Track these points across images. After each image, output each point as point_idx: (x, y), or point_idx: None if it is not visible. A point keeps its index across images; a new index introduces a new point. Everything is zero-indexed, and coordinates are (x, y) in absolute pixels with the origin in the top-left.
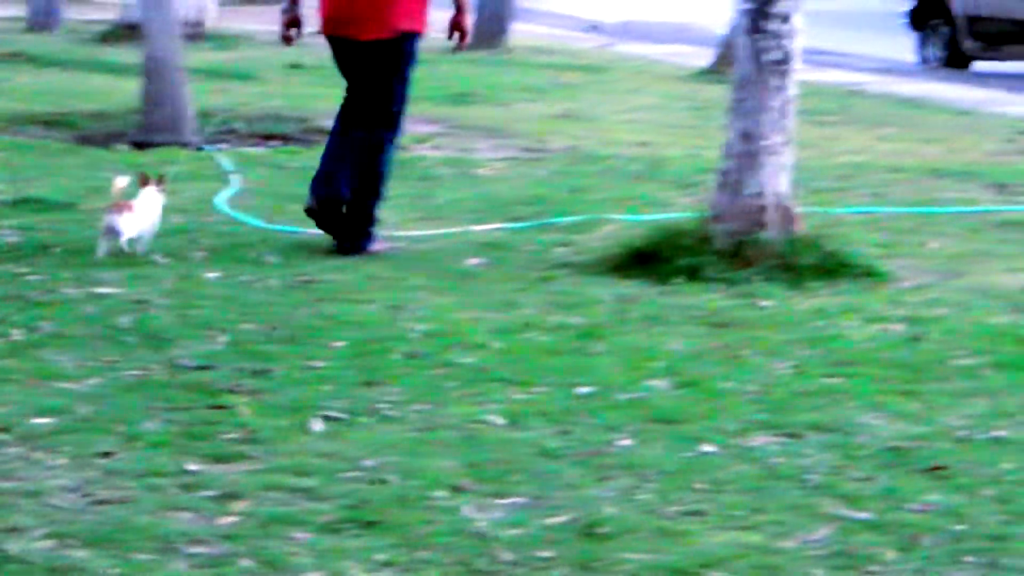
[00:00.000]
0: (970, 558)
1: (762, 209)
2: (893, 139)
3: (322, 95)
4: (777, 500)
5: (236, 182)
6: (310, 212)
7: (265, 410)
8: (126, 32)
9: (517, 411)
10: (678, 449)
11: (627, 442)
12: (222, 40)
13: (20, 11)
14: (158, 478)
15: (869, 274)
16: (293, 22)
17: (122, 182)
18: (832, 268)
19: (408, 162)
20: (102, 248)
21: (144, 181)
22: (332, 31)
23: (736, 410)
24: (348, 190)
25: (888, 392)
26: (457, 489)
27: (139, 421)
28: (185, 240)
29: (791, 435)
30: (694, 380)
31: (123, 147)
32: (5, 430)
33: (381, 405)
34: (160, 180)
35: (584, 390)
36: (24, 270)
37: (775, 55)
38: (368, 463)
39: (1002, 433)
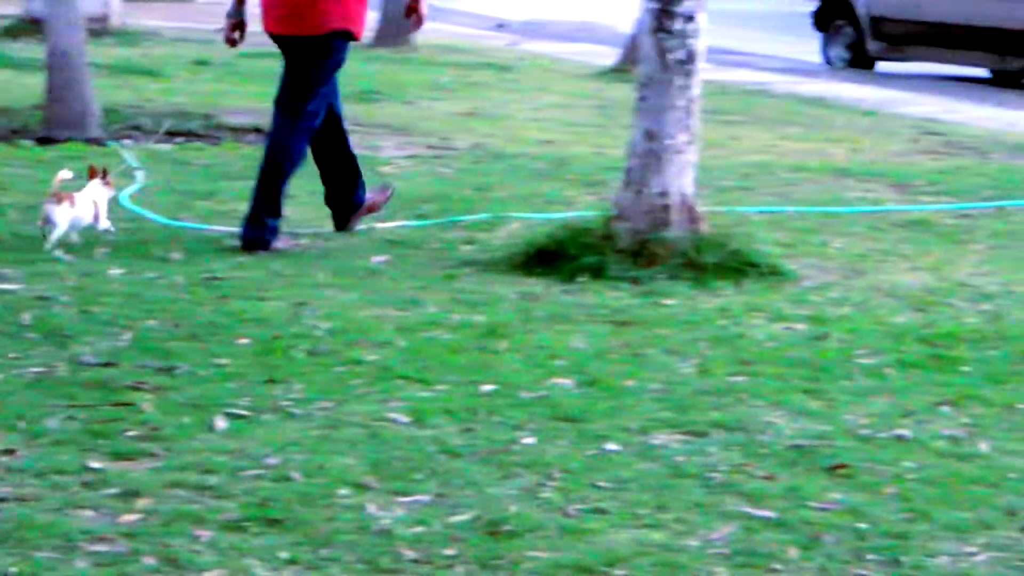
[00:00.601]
0: (872, 556)
1: (666, 208)
2: (798, 139)
3: (228, 92)
4: (680, 498)
5: (141, 178)
6: None
7: (168, 407)
8: (29, 26)
9: (421, 409)
10: (581, 447)
11: (531, 440)
12: (127, 36)
13: None
14: (60, 476)
15: (773, 273)
16: (238, 26)
17: (65, 175)
18: (736, 267)
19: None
20: (52, 239)
21: (92, 174)
22: (270, 28)
23: (640, 408)
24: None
25: (791, 391)
26: (361, 487)
27: (41, 418)
28: (89, 236)
29: (694, 433)
30: (598, 378)
31: (27, 143)
32: None
33: (285, 402)
34: (105, 174)
35: (488, 388)
36: None
37: (680, 54)
38: (272, 461)
39: (904, 432)
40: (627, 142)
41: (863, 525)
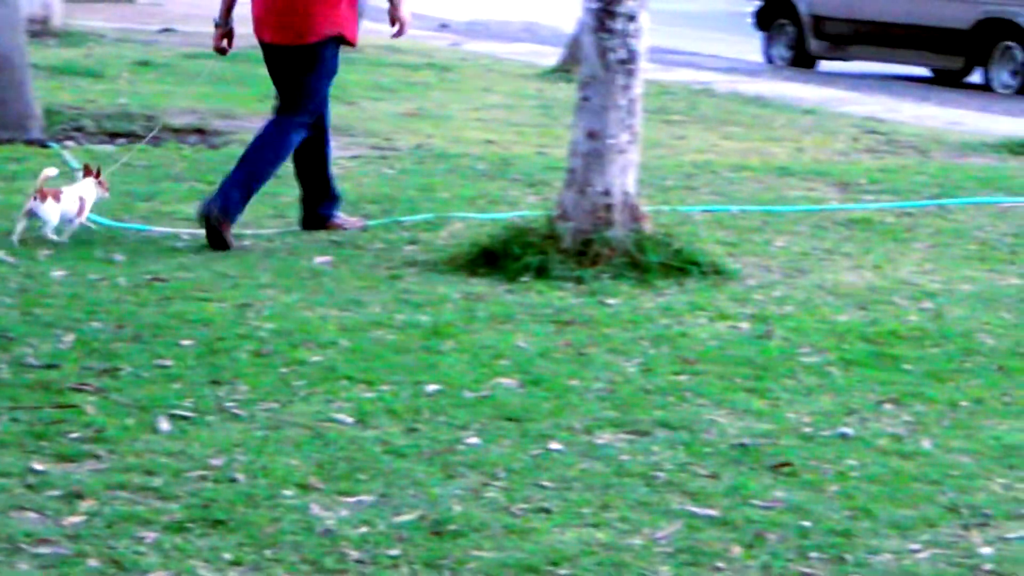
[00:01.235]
0: (816, 554)
1: (609, 207)
2: (740, 138)
3: (170, 93)
4: (624, 497)
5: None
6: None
7: (112, 409)
8: None
9: (365, 409)
10: (526, 447)
11: (475, 440)
12: (69, 37)
13: None
14: (3, 478)
15: (716, 272)
16: (227, 34)
17: (50, 172)
18: (679, 266)
19: None
20: (18, 231)
21: (87, 172)
22: (263, 38)
23: (583, 408)
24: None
25: (735, 389)
26: (305, 487)
27: None
28: (31, 238)
29: (638, 432)
30: (542, 378)
31: None
32: None
33: (229, 404)
34: (99, 173)
35: (432, 388)
36: None
37: (621, 54)
38: (216, 462)
39: (847, 430)
40: (569, 142)
41: (807, 523)
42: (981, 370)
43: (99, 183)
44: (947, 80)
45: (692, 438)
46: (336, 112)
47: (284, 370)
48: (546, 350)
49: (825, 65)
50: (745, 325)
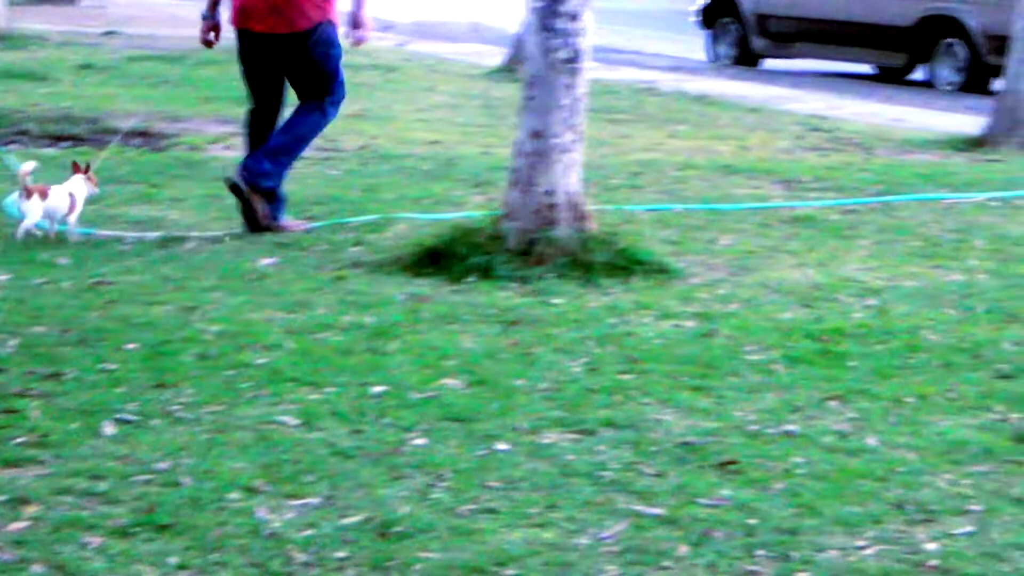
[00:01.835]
0: (762, 552)
1: (553, 207)
2: (685, 136)
3: (114, 95)
4: (571, 497)
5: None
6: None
7: (56, 413)
8: None
9: (311, 411)
10: (471, 447)
11: (421, 441)
12: (12, 40)
13: None
14: None
15: (661, 271)
16: (213, 27)
17: (29, 166)
18: (624, 265)
19: (201, 162)
20: (20, 231)
21: (76, 169)
22: (254, 28)
23: (529, 408)
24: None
25: (680, 388)
26: (251, 490)
27: None
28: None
29: (584, 432)
30: (487, 378)
31: None
32: None
33: (174, 407)
34: (88, 169)
35: (377, 389)
36: None
37: (565, 53)
38: (161, 466)
39: (793, 427)
40: (514, 141)
41: (753, 521)
42: (925, 366)
43: (88, 179)
44: (890, 77)
45: (638, 437)
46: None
47: (229, 373)
48: (492, 350)
49: (769, 63)
50: (690, 324)
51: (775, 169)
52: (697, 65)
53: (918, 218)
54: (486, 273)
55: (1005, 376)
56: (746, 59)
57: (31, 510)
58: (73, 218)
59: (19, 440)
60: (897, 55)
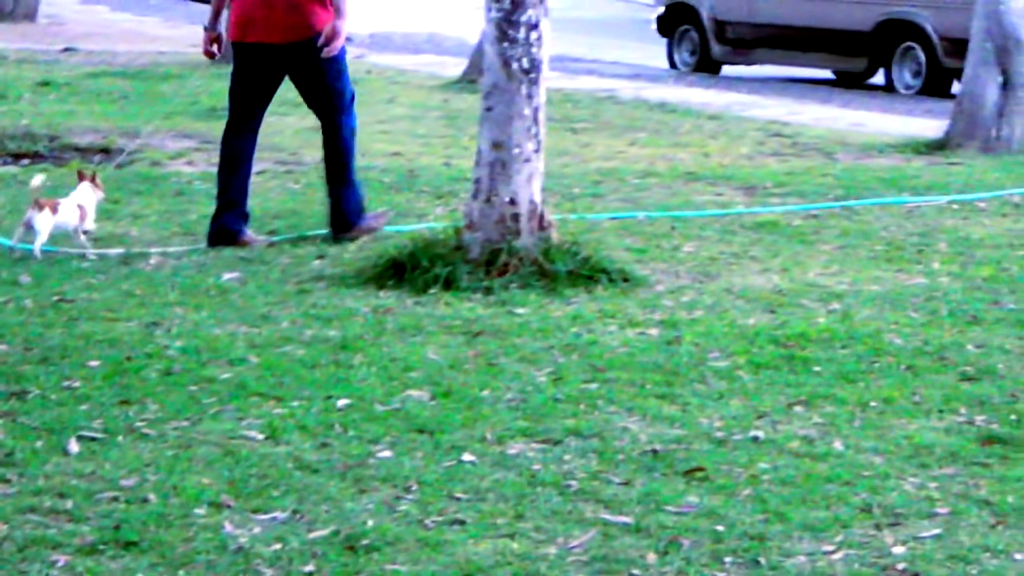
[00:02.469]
0: (730, 558)
1: (516, 217)
2: (646, 144)
3: (73, 112)
4: (538, 507)
5: None
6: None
7: (21, 432)
8: None
9: (276, 425)
10: (438, 459)
11: (387, 453)
12: None
13: None
14: None
15: (625, 279)
16: (215, 39)
17: (36, 181)
18: (588, 274)
19: (162, 177)
20: (18, 234)
21: (81, 177)
22: (257, 39)
23: (495, 418)
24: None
25: (646, 396)
26: (217, 506)
27: None
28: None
29: (550, 441)
30: (452, 389)
31: None
32: None
33: (139, 423)
34: (94, 177)
35: (343, 402)
36: None
37: (524, 63)
38: (127, 482)
39: (759, 433)
40: (475, 152)
41: (720, 527)
42: (890, 370)
43: (95, 186)
44: (849, 82)
45: (604, 446)
46: None
47: (194, 388)
48: (456, 361)
49: (728, 70)
50: (654, 331)
51: (737, 175)
52: (657, 73)
53: (880, 222)
54: (449, 284)
55: (969, 378)
56: (706, 66)
57: None
58: (86, 226)
59: None
60: (856, 60)
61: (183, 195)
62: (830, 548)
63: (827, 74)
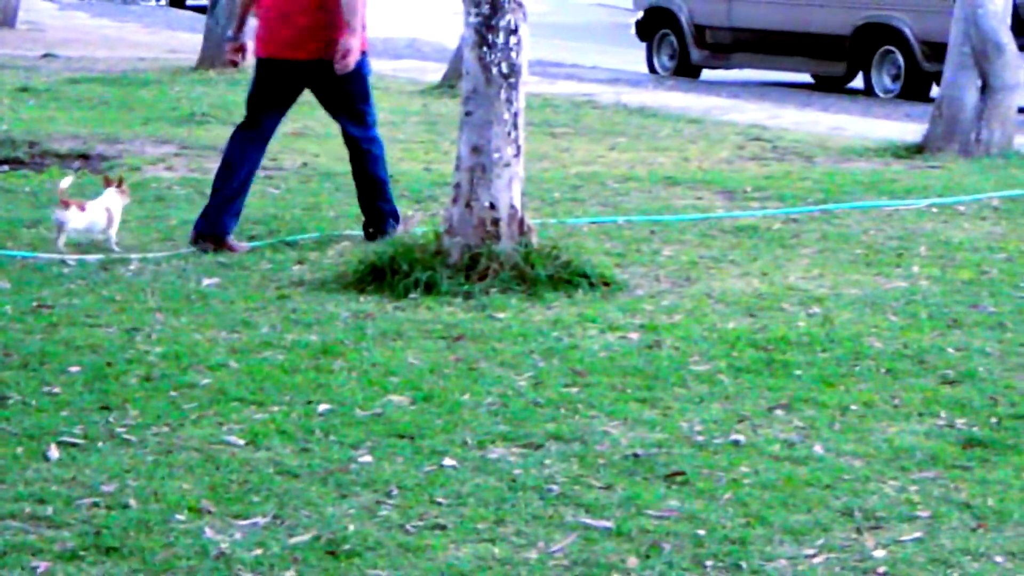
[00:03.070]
0: (711, 562)
1: (496, 221)
2: (626, 148)
3: (53, 118)
4: (519, 511)
5: None
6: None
7: (1, 437)
8: None
9: (256, 431)
10: (419, 463)
11: (367, 458)
12: None
13: None
14: None
15: (605, 283)
16: (239, 49)
17: (65, 182)
18: (568, 278)
19: (142, 183)
20: (59, 240)
21: (107, 183)
22: (281, 55)
23: (476, 423)
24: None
25: (626, 400)
26: (198, 511)
27: None
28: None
29: (531, 446)
30: (433, 394)
31: None
32: None
33: (119, 429)
34: (120, 183)
35: (323, 407)
36: None
37: (503, 68)
38: (107, 488)
39: (739, 437)
40: (455, 157)
41: (701, 532)
42: (870, 373)
43: (121, 191)
44: (828, 86)
45: (585, 450)
46: (221, 133)
47: (174, 393)
48: (436, 366)
49: (708, 74)
50: (635, 335)
51: (716, 180)
52: (636, 77)
53: (860, 226)
54: (429, 289)
55: (950, 382)
56: (686, 71)
57: None
58: (113, 231)
59: None
60: (836, 64)
61: (163, 200)
62: (811, 552)
63: (806, 78)
